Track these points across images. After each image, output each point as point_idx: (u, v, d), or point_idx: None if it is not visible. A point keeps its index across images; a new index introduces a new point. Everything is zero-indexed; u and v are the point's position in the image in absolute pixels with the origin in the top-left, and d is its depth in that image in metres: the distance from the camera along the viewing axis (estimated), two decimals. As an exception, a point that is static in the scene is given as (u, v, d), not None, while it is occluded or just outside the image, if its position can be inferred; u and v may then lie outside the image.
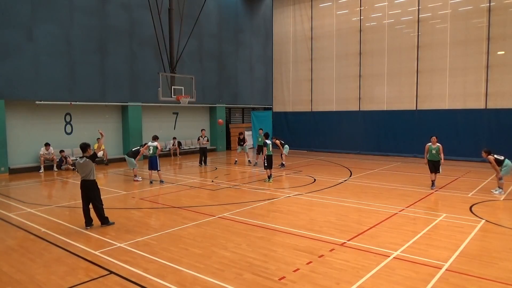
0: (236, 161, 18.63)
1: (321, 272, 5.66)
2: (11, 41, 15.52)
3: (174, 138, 22.40)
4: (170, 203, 10.35)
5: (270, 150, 13.65)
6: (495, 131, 17.51)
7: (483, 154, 11.13)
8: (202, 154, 17.91)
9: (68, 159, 17.11)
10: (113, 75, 19.10)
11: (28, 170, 16.37)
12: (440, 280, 5.35)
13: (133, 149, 14.24)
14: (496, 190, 11.02)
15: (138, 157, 13.99)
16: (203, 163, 17.89)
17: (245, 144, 18.25)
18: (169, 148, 22.04)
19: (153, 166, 13.41)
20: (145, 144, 14.08)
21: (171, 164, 18.98)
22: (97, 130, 9.64)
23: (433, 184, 11.94)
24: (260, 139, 17.69)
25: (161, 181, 13.42)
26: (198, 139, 18.38)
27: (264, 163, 13.49)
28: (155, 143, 13.56)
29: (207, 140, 18.48)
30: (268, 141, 13.81)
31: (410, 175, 14.75)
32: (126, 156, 14.31)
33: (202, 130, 18.75)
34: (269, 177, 13.40)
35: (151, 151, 13.48)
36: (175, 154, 21.98)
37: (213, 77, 24.43)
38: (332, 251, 6.51)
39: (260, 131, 18.28)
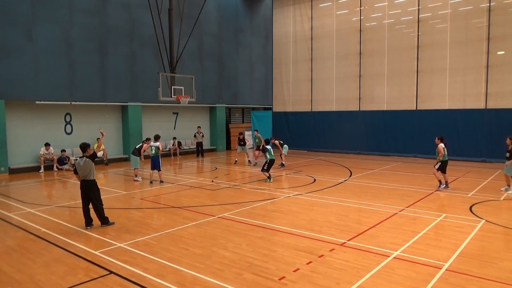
0: (236, 161, 18.63)
1: (321, 272, 5.66)
2: (11, 41, 15.52)
3: (174, 138, 22.40)
4: (170, 203, 10.35)
5: (273, 154, 13.71)
6: (495, 131, 17.49)
7: (508, 141, 11.05)
8: (199, 147, 21.41)
9: (71, 158, 17.06)
10: (113, 75, 19.09)
11: (28, 170, 16.36)
12: (440, 280, 5.35)
13: (137, 147, 14.22)
14: (507, 189, 11.17)
15: (141, 153, 13.90)
16: (200, 155, 21.36)
17: (245, 145, 18.30)
18: (169, 148, 22.05)
19: (155, 166, 13.39)
20: (148, 139, 14.00)
21: (171, 164, 18.98)
22: (98, 130, 9.66)
23: (441, 184, 11.84)
24: (257, 140, 17.75)
25: (161, 181, 13.42)
26: (195, 135, 21.60)
27: (264, 166, 13.55)
28: (157, 143, 13.54)
29: (203, 136, 21.66)
30: (268, 147, 13.86)
31: (410, 175, 14.74)
32: (131, 155, 14.29)
33: (198, 127, 21.91)
34: (269, 177, 13.42)
35: (153, 151, 13.45)
36: (175, 154, 21.98)
37: (213, 77, 24.43)
38: (332, 251, 6.51)
39: (256, 132, 18.30)
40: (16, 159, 16.28)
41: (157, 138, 13.70)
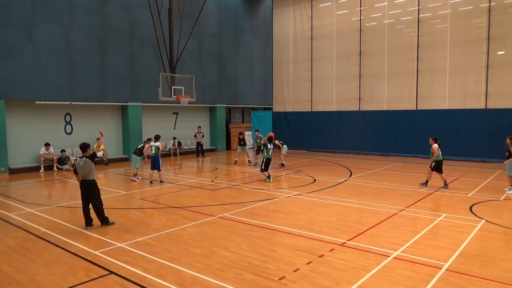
0: (236, 161, 18.61)
1: (321, 272, 5.67)
2: (11, 41, 15.52)
3: (174, 138, 22.40)
4: (170, 203, 10.35)
5: (270, 153, 13.67)
6: (495, 131, 17.49)
7: (508, 141, 11.16)
8: (198, 147, 21.64)
9: (71, 158, 17.05)
10: (113, 75, 19.09)
11: (28, 170, 16.36)
12: (440, 280, 5.35)
13: (138, 147, 14.24)
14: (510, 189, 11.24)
15: (144, 153, 13.95)
16: (200, 155, 21.63)
17: (246, 145, 18.29)
18: (169, 148, 22.05)
19: (155, 166, 13.37)
20: (149, 139, 13.90)
21: (171, 164, 18.97)
22: (98, 130, 9.68)
23: (426, 183, 12.25)
24: (258, 140, 17.75)
25: (161, 181, 13.43)
26: (195, 135, 21.75)
27: (262, 166, 13.55)
28: (157, 143, 13.52)
29: (203, 136, 21.85)
30: (270, 145, 13.79)
31: (410, 175, 14.74)
32: (132, 155, 14.29)
33: (198, 127, 22.08)
34: (269, 177, 13.42)
35: (153, 151, 13.44)
36: (175, 154, 21.98)
37: (213, 77, 24.43)
38: (332, 251, 6.51)
39: (257, 132, 18.27)
40: (16, 159, 16.28)
41: (157, 138, 13.68)
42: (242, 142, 18.09)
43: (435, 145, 11.75)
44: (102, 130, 9.33)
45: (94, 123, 18.66)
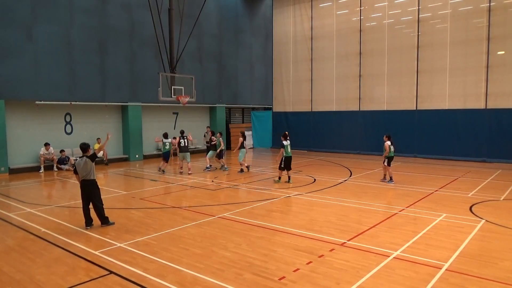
0: (210, 165, 16.67)
1: (321, 272, 5.66)
2: (11, 41, 15.52)
3: (174, 138, 22.33)
4: (170, 203, 10.35)
5: (289, 151, 13.26)
6: (495, 131, 17.52)
7: None
8: (210, 148, 17.48)
9: (71, 158, 17.03)
10: (113, 75, 19.08)
11: (28, 170, 16.36)
12: (440, 280, 5.35)
13: (213, 142, 16.34)
14: None
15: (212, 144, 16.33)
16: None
17: (218, 150, 16.23)
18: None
19: (166, 158, 15.88)
20: (182, 131, 16.28)
21: (171, 164, 18.96)
22: (106, 132, 10.04)
23: (384, 178, 13.17)
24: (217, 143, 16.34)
25: (163, 171, 15.58)
26: (204, 135, 21.40)
27: (281, 164, 13.15)
28: (169, 139, 16.15)
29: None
30: (285, 142, 13.22)
31: (410, 175, 14.74)
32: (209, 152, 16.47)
33: (207, 127, 21.98)
34: (279, 178, 13.32)
35: (167, 147, 15.90)
36: (175, 154, 21.94)
37: (213, 77, 24.41)
38: (332, 251, 6.51)
39: (219, 134, 16.72)
40: (16, 159, 16.27)
41: (166, 135, 16.33)
42: (211, 145, 16.47)
43: (388, 143, 12.65)
44: (110, 134, 9.54)
45: (94, 123, 18.67)
